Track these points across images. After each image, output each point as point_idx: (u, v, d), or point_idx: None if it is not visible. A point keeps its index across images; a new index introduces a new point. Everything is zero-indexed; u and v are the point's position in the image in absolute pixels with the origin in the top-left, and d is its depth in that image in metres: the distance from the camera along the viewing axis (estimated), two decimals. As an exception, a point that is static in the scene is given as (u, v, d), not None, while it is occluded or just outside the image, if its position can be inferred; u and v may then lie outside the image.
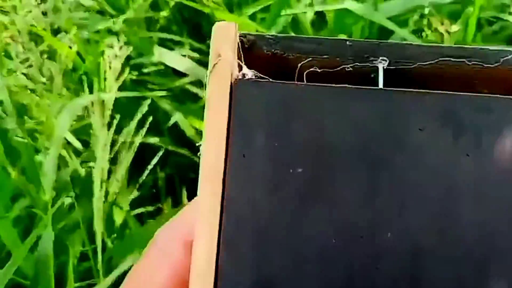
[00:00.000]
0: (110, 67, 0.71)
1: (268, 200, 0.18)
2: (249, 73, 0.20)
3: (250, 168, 0.18)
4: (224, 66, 0.19)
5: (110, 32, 1.05)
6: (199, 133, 1.02)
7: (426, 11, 0.88)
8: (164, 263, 0.21)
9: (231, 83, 0.19)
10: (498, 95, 0.19)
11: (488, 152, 0.18)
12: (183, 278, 0.20)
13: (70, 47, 0.85)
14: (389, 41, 0.21)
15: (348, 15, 0.92)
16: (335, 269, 0.18)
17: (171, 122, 0.92)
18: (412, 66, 0.20)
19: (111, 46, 0.69)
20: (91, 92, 0.82)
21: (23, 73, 0.87)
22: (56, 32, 0.97)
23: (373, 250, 0.18)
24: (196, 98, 1.01)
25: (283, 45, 0.20)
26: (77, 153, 0.88)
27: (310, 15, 1.06)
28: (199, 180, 0.18)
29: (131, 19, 0.93)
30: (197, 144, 0.19)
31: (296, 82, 0.20)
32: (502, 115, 0.19)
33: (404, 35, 0.88)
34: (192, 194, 0.92)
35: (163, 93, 0.90)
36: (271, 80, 0.20)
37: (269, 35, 0.21)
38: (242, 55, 0.20)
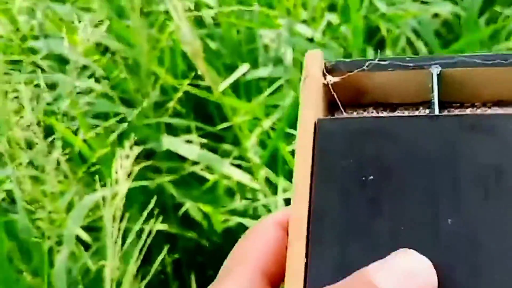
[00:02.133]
0: (121, 166, 0.71)
1: (345, 204, 0.22)
2: (333, 79, 0.25)
3: (330, 179, 0.22)
4: (313, 78, 0.25)
5: (120, 121, 1.05)
6: (207, 217, 1.01)
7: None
8: (259, 239, 0.24)
9: (315, 122, 0.23)
10: None
11: None
12: (276, 250, 0.23)
13: (84, 140, 0.85)
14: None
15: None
16: None
17: (182, 210, 0.91)
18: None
19: (123, 146, 0.69)
20: (104, 184, 0.82)
21: (31, 163, 0.87)
22: (64, 118, 0.98)
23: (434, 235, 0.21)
24: (203, 180, 1.01)
25: (355, 64, 0.25)
26: (87, 246, 0.87)
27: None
28: (292, 193, 0.22)
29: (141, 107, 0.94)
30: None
31: (363, 115, 0.25)
32: None
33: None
34: (200, 278, 0.90)
35: (170, 177, 0.90)
36: (343, 116, 0.25)
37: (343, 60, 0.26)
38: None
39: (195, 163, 1.00)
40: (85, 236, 0.85)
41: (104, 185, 0.77)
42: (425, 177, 0.21)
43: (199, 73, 0.90)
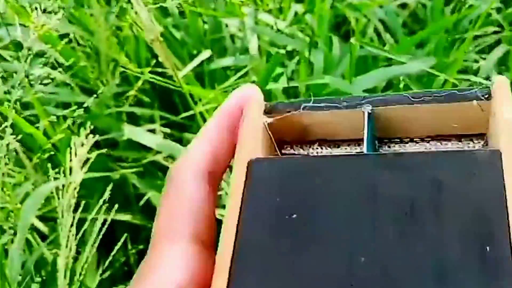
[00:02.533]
0: (76, 155, 0.69)
1: (268, 243, 0.22)
2: (268, 120, 0.26)
3: (257, 217, 0.23)
4: (251, 119, 0.26)
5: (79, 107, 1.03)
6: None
7: (401, 83, 0.89)
8: (182, 202, 0.24)
9: (248, 162, 0.24)
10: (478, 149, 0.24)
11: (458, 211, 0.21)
12: (200, 214, 0.24)
13: (37, 127, 0.83)
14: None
15: (322, 88, 0.92)
16: None
17: (144, 199, 0.89)
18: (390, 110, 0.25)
19: (72, 131, 0.67)
20: (58, 173, 0.79)
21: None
22: (22, 107, 0.96)
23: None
24: (166, 170, 0.99)
25: (293, 105, 0.26)
26: (44, 237, 0.84)
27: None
28: (222, 227, 0.23)
29: (101, 95, 0.92)
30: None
31: (291, 155, 0.27)
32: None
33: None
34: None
35: (132, 170, 0.88)
36: (274, 156, 0.26)
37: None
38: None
39: (158, 152, 0.99)
40: (42, 226, 0.83)
41: (58, 174, 0.75)
42: (345, 217, 0.22)
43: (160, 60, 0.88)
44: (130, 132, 0.87)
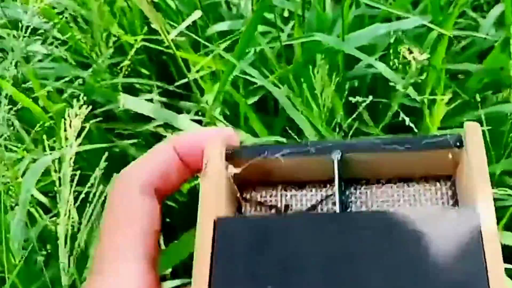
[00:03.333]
0: (70, 126, 0.69)
1: None
2: (233, 171, 0.25)
3: (227, 281, 0.22)
4: (213, 170, 0.25)
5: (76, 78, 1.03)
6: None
7: (392, 39, 0.88)
8: (131, 218, 0.24)
9: (214, 221, 0.24)
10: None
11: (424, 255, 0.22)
12: (151, 231, 0.24)
13: (36, 101, 0.83)
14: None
15: (316, 47, 0.91)
16: None
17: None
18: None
19: (71, 105, 0.67)
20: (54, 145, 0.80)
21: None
22: (19, 82, 0.96)
23: None
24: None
25: (257, 150, 0.26)
26: (49, 211, 0.85)
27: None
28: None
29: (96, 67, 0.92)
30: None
31: (261, 215, 0.26)
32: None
33: (371, 62, 0.87)
34: (169, 239, 0.89)
35: (130, 141, 0.88)
36: (241, 216, 0.26)
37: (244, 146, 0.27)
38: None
39: (158, 125, 0.99)
40: (44, 199, 0.84)
41: (55, 145, 0.75)
42: (306, 278, 0.22)
43: (153, 27, 0.87)
44: (126, 101, 0.87)
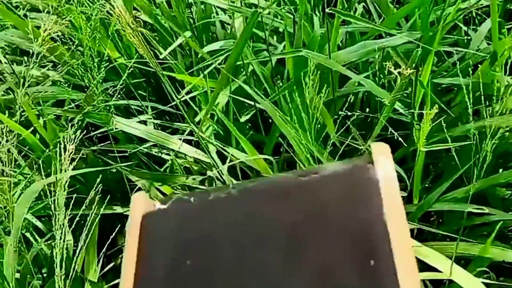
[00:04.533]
0: (65, 150, 0.70)
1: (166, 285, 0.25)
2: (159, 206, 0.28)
3: (152, 270, 0.25)
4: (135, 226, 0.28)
5: (72, 101, 1.04)
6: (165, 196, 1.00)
7: (379, 55, 0.88)
8: None
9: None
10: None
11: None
12: None
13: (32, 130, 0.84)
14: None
15: (305, 64, 0.91)
16: None
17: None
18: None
19: (65, 129, 0.68)
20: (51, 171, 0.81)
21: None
22: (15, 110, 0.97)
23: None
24: (160, 160, 1.00)
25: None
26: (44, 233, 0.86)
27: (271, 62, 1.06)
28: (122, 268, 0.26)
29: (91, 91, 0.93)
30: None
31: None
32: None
33: (358, 79, 0.88)
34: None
35: (124, 164, 0.89)
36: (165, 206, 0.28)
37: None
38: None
39: (152, 145, 0.99)
40: (39, 224, 0.85)
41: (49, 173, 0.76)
42: (235, 254, 0.24)
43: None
44: (119, 124, 0.88)
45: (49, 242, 0.85)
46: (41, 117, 0.96)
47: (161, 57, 0.85)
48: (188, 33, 0.96)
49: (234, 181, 0.87)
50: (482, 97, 0.79)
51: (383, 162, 0.25)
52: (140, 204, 0.28)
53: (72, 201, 0.78)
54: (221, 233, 0.25)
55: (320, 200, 0.24)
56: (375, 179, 0.25)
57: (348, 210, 0.24)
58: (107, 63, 0.91)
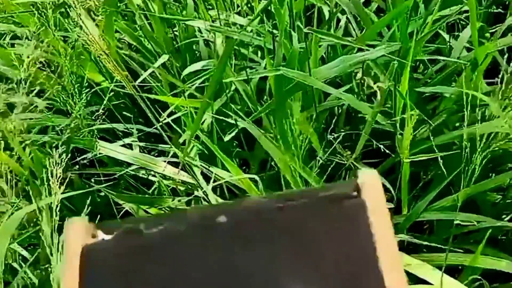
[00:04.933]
0: (52, 175, 0.70)
1: None
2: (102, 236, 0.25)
3: None
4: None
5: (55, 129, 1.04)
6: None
7: (360, 68, 0.88)
8: None
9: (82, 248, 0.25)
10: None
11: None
12: None
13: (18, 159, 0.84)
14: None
15: (286, 81, 0.92)
16: None
17: (121, 213, 0.90)
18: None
19: (51, 155, 0.68)
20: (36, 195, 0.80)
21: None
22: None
23: None
24: (147, 182, 1.00)
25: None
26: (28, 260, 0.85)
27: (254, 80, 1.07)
28: None
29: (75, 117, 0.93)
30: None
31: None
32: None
33: (337, 94, 0.88)
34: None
35: (111, 187, 0.89)
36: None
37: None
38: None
39: (139, 167, 0.99)
40: (24, 253, 0.84)
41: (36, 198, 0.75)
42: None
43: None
44: (103, 149, 0.88)
45: (35, 268, 0.84)
46: (26, 146, 0.96)
47: (138, 81, 0.85)
48: (166, 56, 0.96)
49: (220, 200, 0.86)
50: (465, 105, 0.79)
51: (371, 195, 0.24)
52: (78, 233, 0.25)
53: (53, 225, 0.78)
54: (174, 276, 0.23)
55: (300, 233, 0.23)
56: (363, 213, 0.24)
57: (334, 246, 0.22)
58: (88, 88, 0.91)
